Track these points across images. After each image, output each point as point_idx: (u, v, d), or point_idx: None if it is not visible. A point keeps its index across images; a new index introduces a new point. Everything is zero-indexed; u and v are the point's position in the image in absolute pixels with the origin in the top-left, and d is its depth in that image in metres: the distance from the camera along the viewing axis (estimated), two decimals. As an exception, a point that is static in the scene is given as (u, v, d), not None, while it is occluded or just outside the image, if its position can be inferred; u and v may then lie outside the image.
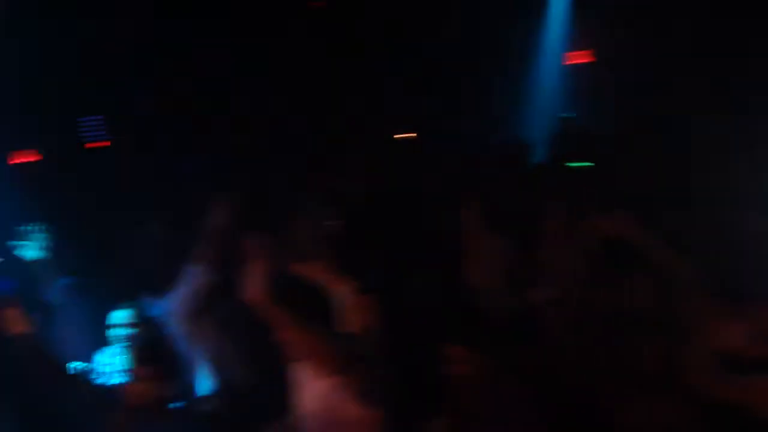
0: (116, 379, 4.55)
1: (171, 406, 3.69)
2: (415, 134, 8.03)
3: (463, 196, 5.46)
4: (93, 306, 5.46)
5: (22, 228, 5.02)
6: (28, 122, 7.54)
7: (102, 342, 4.92)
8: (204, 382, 4.25)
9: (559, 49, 8.55)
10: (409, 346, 3.74)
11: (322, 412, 3.37)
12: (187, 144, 7.77)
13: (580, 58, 8.59)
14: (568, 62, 8.56)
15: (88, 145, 8.25)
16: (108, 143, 8.25)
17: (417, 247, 5.23)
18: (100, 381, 4.55)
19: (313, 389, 3.40)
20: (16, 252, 5.06)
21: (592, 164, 6.30)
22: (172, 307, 4.32)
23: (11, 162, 7.58)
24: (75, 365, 4.54)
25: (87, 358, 4.84)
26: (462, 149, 6.98)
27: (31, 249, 4.96)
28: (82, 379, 4.24)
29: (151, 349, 3.81)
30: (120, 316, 4.80)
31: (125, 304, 4.86)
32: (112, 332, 4.79)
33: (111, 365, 4.75)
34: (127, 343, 4.58)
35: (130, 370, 3.74)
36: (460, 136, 7.54)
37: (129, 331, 4.72)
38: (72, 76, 7.63)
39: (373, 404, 3.23)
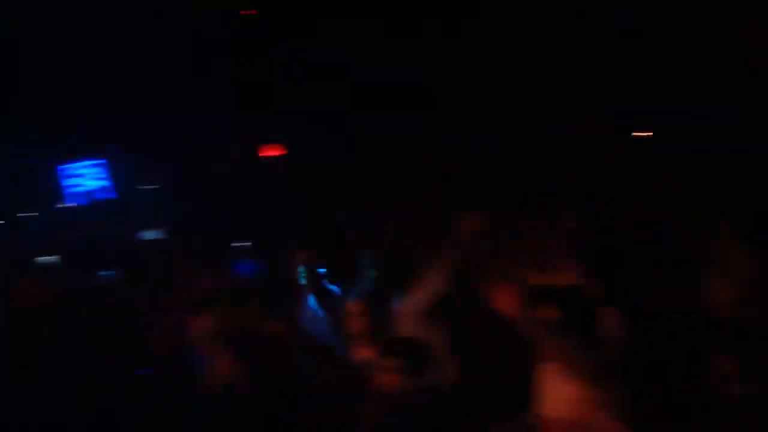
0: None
1: (415, 398, 3.79)
2: (651, 133, 7.74)
3: (707, 204, 5.17)
4: (331, 291, 5.74)
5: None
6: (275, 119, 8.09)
7: (335, 326, 5.13)
8: (438, 378, 4.32)
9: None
10: (660, 357, 3.61)
11: (567, 419, 3.32)
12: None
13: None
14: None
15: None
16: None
17: (657, 253, 5.02)
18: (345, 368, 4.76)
19: (559, 394, 3.36)
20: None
21: None
22: (406, 305, 4.42)
23: (261, 154, 8.12)
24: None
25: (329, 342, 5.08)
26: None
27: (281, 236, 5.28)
28: (336, 362, 4.45)
29: (400, 341, 3.92)
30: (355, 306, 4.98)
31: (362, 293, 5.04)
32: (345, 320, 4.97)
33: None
34: (371, 333, 4.74)
35: (377, 361, 3.88)
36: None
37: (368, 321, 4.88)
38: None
39: (624, 417, 3.14)
